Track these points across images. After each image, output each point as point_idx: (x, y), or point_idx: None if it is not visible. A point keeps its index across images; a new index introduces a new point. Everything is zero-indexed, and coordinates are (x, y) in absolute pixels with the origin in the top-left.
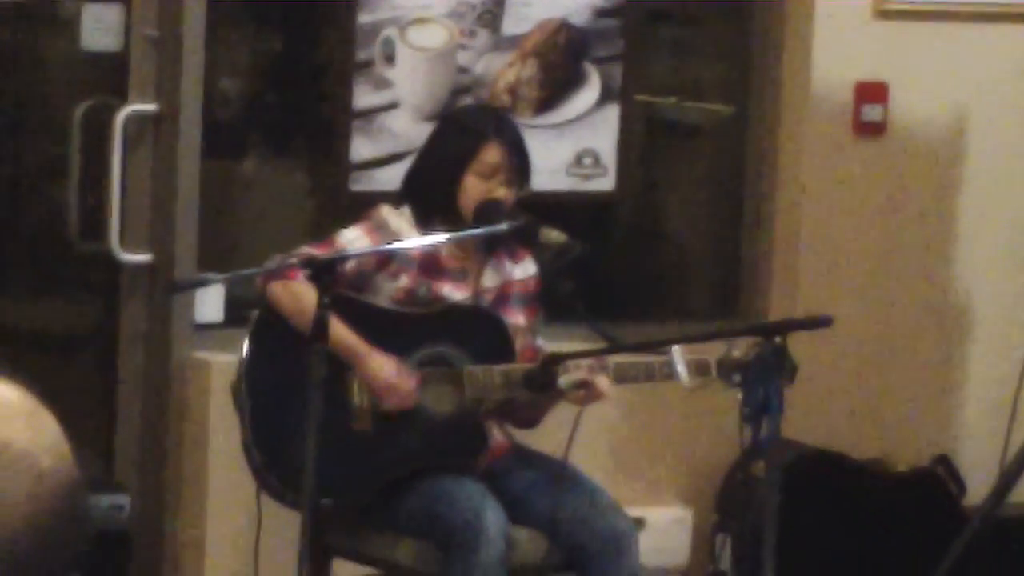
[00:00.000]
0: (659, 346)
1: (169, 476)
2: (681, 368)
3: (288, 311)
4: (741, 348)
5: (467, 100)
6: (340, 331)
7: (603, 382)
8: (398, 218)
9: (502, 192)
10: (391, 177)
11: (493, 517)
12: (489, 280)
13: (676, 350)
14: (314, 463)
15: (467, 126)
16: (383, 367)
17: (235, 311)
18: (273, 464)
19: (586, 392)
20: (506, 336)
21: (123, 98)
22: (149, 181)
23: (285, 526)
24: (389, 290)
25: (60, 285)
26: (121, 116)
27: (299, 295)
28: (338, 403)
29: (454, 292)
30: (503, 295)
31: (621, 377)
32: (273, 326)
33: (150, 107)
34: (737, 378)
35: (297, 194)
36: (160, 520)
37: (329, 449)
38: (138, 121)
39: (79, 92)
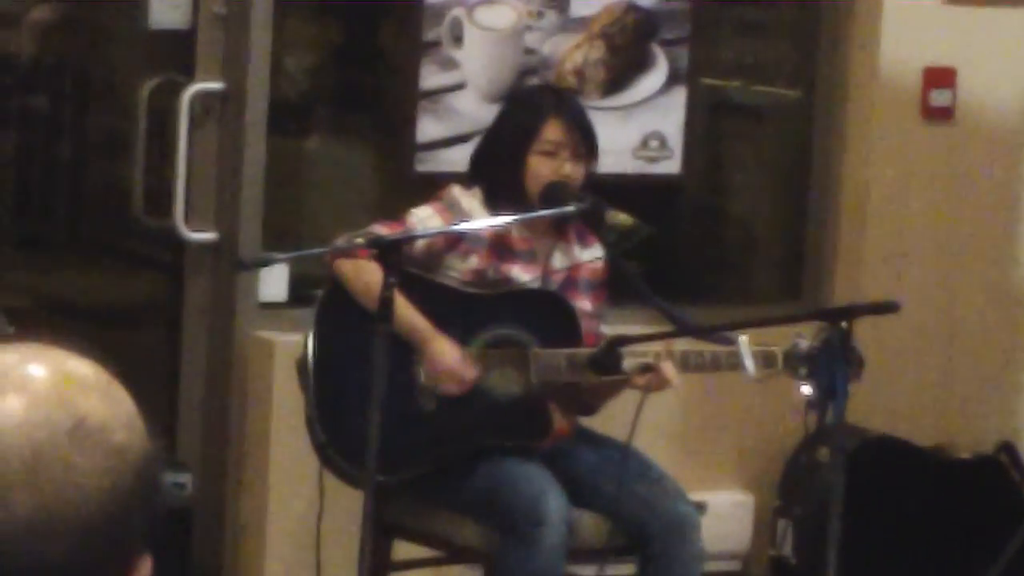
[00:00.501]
0: (724, 330)
1: (231, 455)
2: (748, 359)
3: (355, 288)
4: (808, 340)
5: (534, 81)
6: (405, 311)
7: (669, 369)
8: (470, 198)
9: (568, 168)
10: (457, 158)
11: (555, 502)
12: (558, 262)
13: (743, 341)
14: (377, 444)
15: (527, 105)
16: (445, 352)
17: (299, 290)
18: (336, 440)
19: (652, 378)
20: (573, 319)
21: (190, 76)
22: (215, 159)
23: (347, 506)
24: (459, 270)
25: (125, 262)
26: (188, 94)
27: (367, 273)
28: (404, 381)
29: (523, 273)
30: (571, 279)
31: (687, 366)
32: (340, 303)
33: (217, 85)
34: (804, 371)
35: (363, 174)
36: (222, 498)
37: (393, 426)
38: (204, 99)
39: (146, 69)
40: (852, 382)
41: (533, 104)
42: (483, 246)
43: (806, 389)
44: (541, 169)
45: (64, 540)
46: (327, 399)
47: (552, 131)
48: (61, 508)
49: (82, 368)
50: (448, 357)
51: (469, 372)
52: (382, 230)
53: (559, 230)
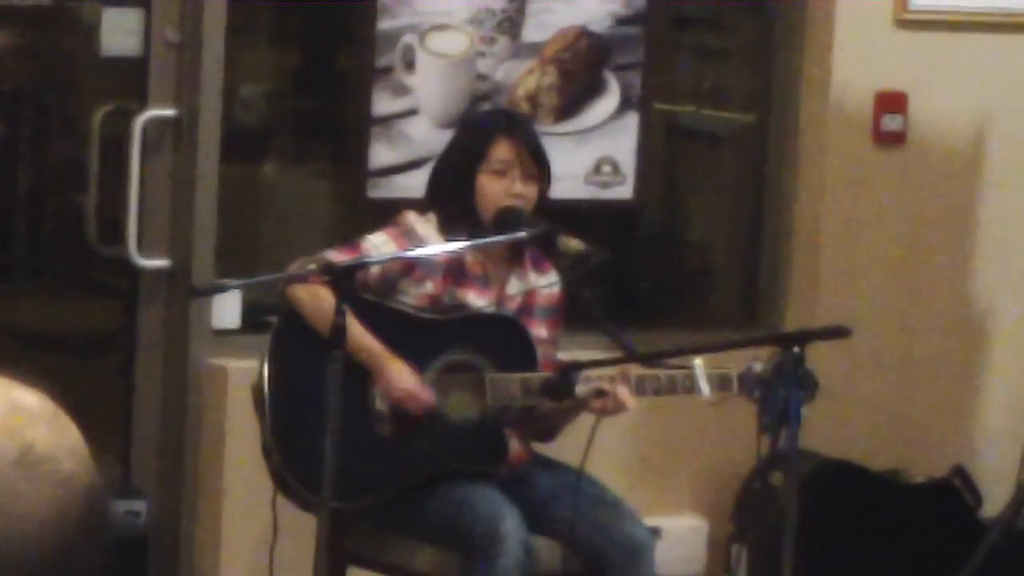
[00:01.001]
0: (677, 355)
1: (186, 482)
2: (703, 382)
3: (310, 314)
4: (763, 363)
5: (486, 107)
6: (361, 336)
7: (624, 392)
8: (425, 224)
9: (519, 187)
10: (410, 184)
11: (512, 524)
12: (513, 288)
13: (698, 364)
14: (333, 469)
15: (477, 126)
16: (402, 374)
17: (253, 317)
18: (292, 466)
19: (607, 402)
20: (529, 344)
21: (143, 103)
22: (168, 186)
23: (301, 533)
24: (414, 295)
25: (78, 289)
26: (140, 121)
27: (320, 298)
28: (359, 407)
29: (478, 299)
30: (527, 306)
31: (643, 389)
32: (295, 329)
33: (169, 112)
34: (758, 393)
35: (316, 200)
36: (177, 526)
37: (349, 453)
38: (157, 126)
39: (99, 97)
40: (806, 404)
41: (482, 126)
42: (438, 271)
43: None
44: (491, 188)
45: (12, 571)
46: (283, 425)
47: (501, 150)
48: (8, 537)
49: (28, 398)
50: (405, 380)
51: (426, 395)
52: (336, 256)
53: (514, 256)
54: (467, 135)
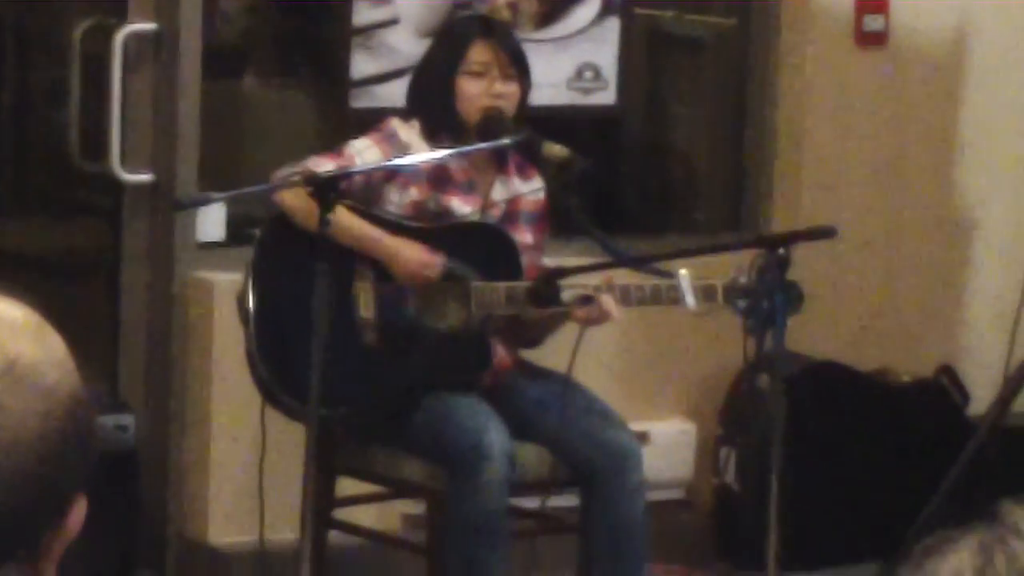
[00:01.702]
0: (664, 260)
1: (174, 395)
2: (689, 294)
3: (301, 217)
4: (748, 274)
5: (465, 14)
6: (361, 226)
7: (609, 301)
8: (408, 130)
9: (498, 87)
10: (392, 93)
11: (497, 437)
12: (497, 194)
13: (683, 275)
14: (319, 382)
15: (453, 31)
16: (413, 252)
17: (237, 230)
18: (277, 373)
19: (591, 311)
20: (514, 253)
21: (123, 18)
22: (150, 101)
23: (290, 445)
24: (398, 202)
25: (62, 206)
26: (120, 36)
27: (311, 202)
28: (344, 316)
29: (463, 205)
30: (512, 212)
31: (628, 299)
32: (279, 239)
33: (150, 26)
34: (743, 303)
35: (298, 112)
36: (165, 440)
37: (334, 363)
38: (138, 41)
39: (78, 13)
40: (792, 316)
41: (459, 30)
42: (422, 178)
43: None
44: (471, 89)
45: None
46: (268, 334)
47: (478, 52)
48: None
49: (12, 311)
50: (417, 252)
51: (438, 259)
52: (320, 162)
53: (499, 162)
54: (444, 40)
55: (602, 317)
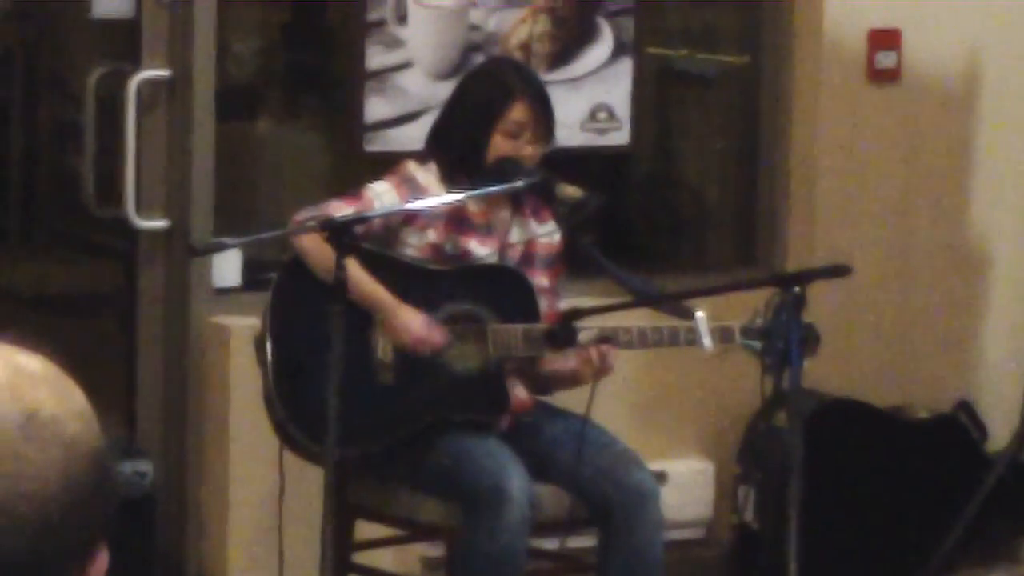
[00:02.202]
0: (683, 298)
1: (191, 441)
2: (706, 336)
3: (315, 263)
4: (764, 314)
5: (479, 58)
6: (367, 284)
7: (611, 353)
8: (425, 173)
9: (529, 151)
10: (405, 136)
11: (517, 479)
12: (515, 236)
13: (700, 317)
14: (336, 424)
15: (494, 82)
16: (413, 321)
17: (253, 274)
18: (295, 417)
19: (598, 371)
20: (531, 295)
21: (136, 64)
22: (164, 146)
23: (308, 488)
24: (417, 244)
25: (77, 251)
26: (134, 82)
27: (325, 248)
28: (361, 357)
29: (480, 247)
30: (528, 255)
31: (644, 341)
32: (296, 281)
33: (163, 72)
34: (760, 345)
35: (312, 155)
36: (183, 485)
37: (351, 403)
38: (151, 87)
39: (92, 59)
40: (808, 358)
41: (499, 82)
42: (440, 220)
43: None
44: (504, 148)
45: (20, 535)
46: (285, 376)
47: (518, 112)
48: (16, 503)
49: (32, 362)
50: (416, 325)
51: (438, 337)
52: (339, 205)
53: (515, 204)
54: (483, 90)
55: (605, 371)
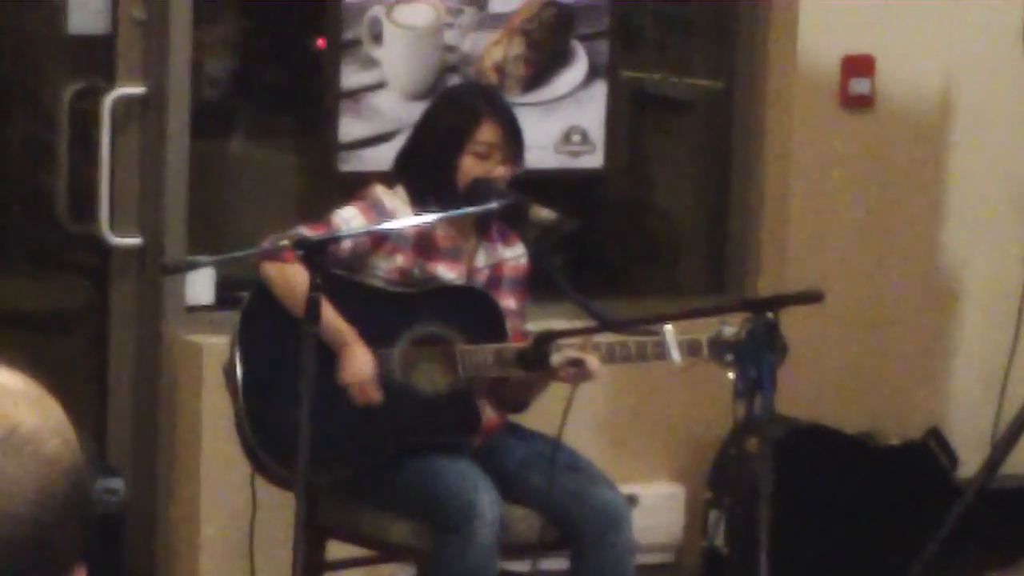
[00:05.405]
0: (651, 323)
1: (162, 459)
2: (674, 349)
3: (281, 292)
4: (732, 327)
5: (454, 79)
6: (327, 313)
7: (593, 361)
8: (392, 197)
9: (500, 171)
10: (380, 157)
11: (487, 498)
12: (481, 260)
13: (668, 331)
14: (307, 447)
15: (461, 105)
16: (360, 362)
17: (226, 293)
18: (266, 442)
19: (576, 371)
20: (498, 316)
21: (110, 81)
22: (138, 164)
23: (279, 508)
24: (384, 269)
25: (50, 268)
26: (109, 99)
27: (292, 276)
28: (329, 381)
29: (448, 272)
30: (495, 277)
31: (612, 357)
32: (266, 305)
33: (138, 90)
34: (729, 357)
35: (286, 175)
36: (154, 503)
37: (322, 426)
38: (126, 104)
39: (67, 76)
40: (777, 368)
41: (467, 104)
42: (408, 245)
43: (732, 375)
44: (473, 170)
45: None
46: (255, 402)
47: (486, 133)
48: None
49: (12, 379)
50: (361, 369)
51: (375, 394)
52: (307, 232)
53: (482, 228)
54: (450, 113)
55: (587, 376)
